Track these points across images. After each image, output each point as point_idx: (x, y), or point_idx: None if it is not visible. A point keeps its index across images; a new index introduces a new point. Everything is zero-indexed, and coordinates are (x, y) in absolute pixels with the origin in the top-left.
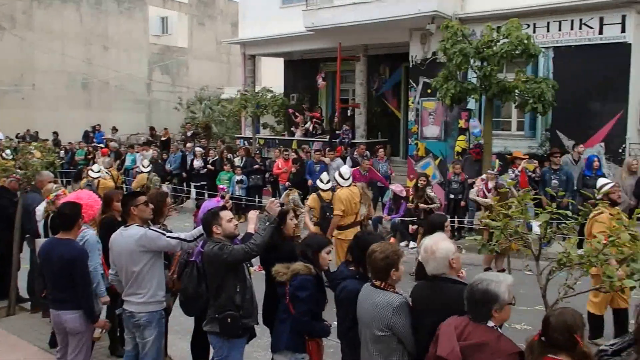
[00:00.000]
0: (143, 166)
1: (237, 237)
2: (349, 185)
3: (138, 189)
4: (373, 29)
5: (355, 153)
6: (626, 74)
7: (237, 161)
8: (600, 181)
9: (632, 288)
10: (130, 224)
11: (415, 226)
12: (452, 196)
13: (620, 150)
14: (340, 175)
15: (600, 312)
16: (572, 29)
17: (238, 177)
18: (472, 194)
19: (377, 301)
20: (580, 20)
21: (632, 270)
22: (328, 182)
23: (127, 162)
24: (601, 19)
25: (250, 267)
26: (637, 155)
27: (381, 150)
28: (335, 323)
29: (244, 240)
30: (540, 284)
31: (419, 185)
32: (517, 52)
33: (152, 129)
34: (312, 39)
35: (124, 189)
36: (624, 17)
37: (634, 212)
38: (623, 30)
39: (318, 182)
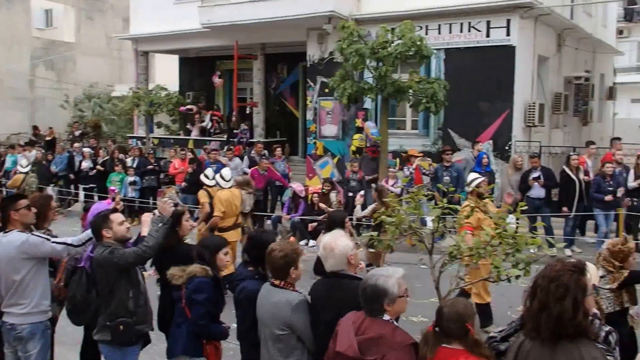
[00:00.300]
0: (21, 166)
1: (129, 240)
2: (230, 187)
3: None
4: (270, 27)
5: (252, 152)
6: (511, 75)
7: (130, 162)
8: (471, 176)
9: (517, 277)
10: (10, 230)
11: (315, 224)
12: (350, 194)
13: (507, 148)
14: (222, 177)
15: (484, 300)
16: (461, 31)
17: (131, 179)
18: (358, 213)
19: (277, 300)
20: (469, 23)
21: (517, 260)
22: (213, 178)
23: (7, 164)
24: (488, 23)
25: (144, 271)
26: (522, 152)
27: (279, 149)
28: (235, 325)
29: (136, 244)
30: (434, 276)
31: (324, 190)
32: (410, 53)
33: (35, 128)
34: (208, 36)
35: (4, 192)
36: (508, 21)
37: (518, 205)
38: (508, 34)
39: (202, 177)
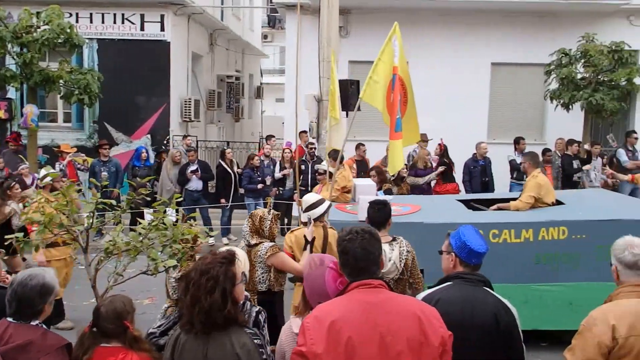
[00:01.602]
0: None
1: None
2: None
3: None
4: None
5: None
6: (167, 70)
7: None
8: (42, 172)
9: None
10: None
11: None
12: None
13: (165, 142)
14: None
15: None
16: (115, 22)
17: None
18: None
19: None
20: (123, 15)
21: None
22: None
23: None
24: (142, 16)
25: None
26: (180, 146)
27: None
28: None
29: None
30: (90, 275)
31: None
32: (59, 40)
33: None
34: None
35: None
36: (162, 16)
37: (173, 197)
38: (162, 29)
39: None
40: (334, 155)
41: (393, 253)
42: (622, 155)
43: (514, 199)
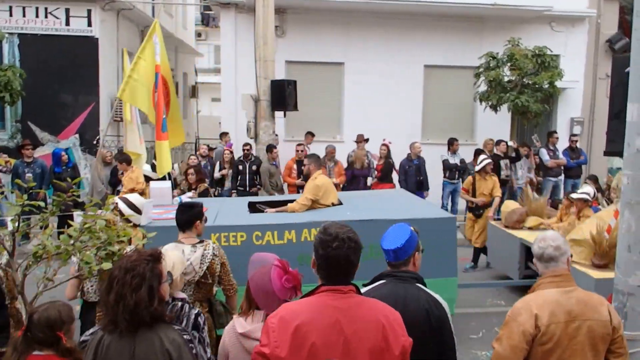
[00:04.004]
0: None
1: None
2: None
3: None
4: None
5: None
6: (95, 67)
7: None
8: None
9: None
10: None
11: None
12: None
13: (95, 142)
14: None
15: None
16: (37, 16)
17: None
18: None
19: None
20: (46, 9)
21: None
22: None
23: None
24: (67, 11)
25: None
26: (111, 146)
27: None
28: None
29: None
30: (17, 281)
31: None
32: None
33: None
34: None
35: None
36: (89, 11)
37: (107, 198)
38: (90, 25)
39: None
40: (120, 157)
41: (194, 255)
42: (544, 154)
43: None
